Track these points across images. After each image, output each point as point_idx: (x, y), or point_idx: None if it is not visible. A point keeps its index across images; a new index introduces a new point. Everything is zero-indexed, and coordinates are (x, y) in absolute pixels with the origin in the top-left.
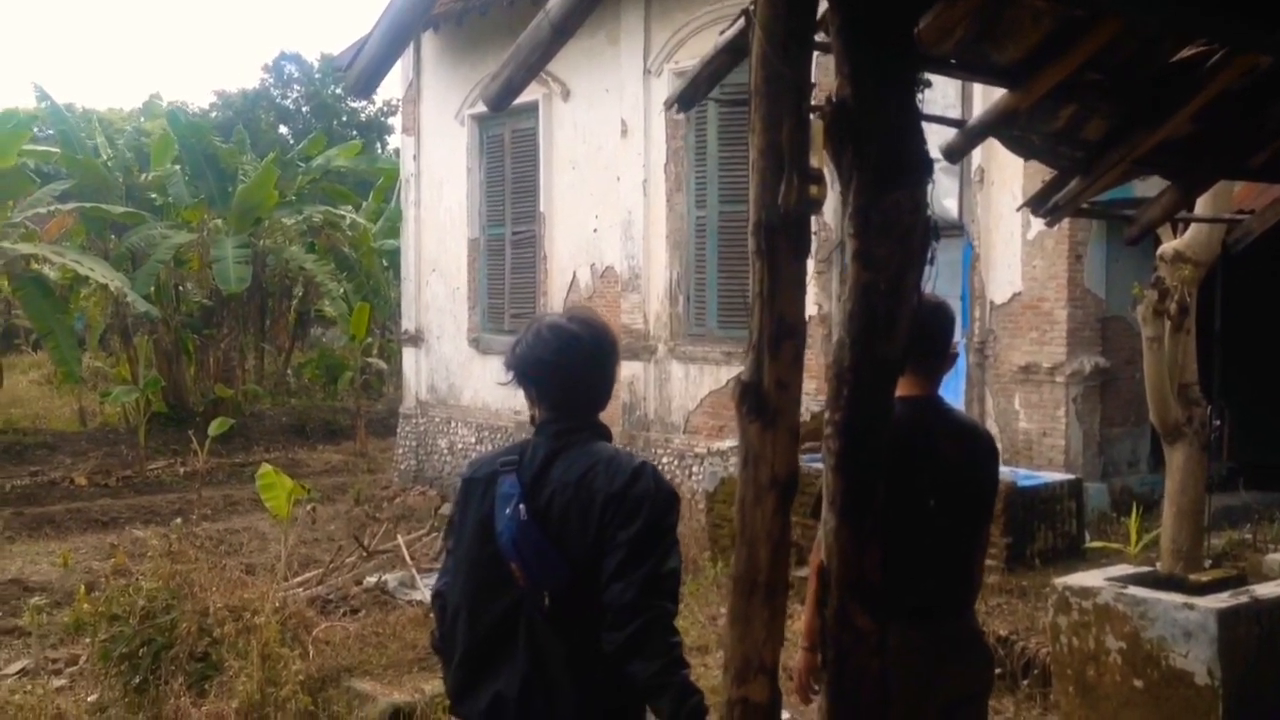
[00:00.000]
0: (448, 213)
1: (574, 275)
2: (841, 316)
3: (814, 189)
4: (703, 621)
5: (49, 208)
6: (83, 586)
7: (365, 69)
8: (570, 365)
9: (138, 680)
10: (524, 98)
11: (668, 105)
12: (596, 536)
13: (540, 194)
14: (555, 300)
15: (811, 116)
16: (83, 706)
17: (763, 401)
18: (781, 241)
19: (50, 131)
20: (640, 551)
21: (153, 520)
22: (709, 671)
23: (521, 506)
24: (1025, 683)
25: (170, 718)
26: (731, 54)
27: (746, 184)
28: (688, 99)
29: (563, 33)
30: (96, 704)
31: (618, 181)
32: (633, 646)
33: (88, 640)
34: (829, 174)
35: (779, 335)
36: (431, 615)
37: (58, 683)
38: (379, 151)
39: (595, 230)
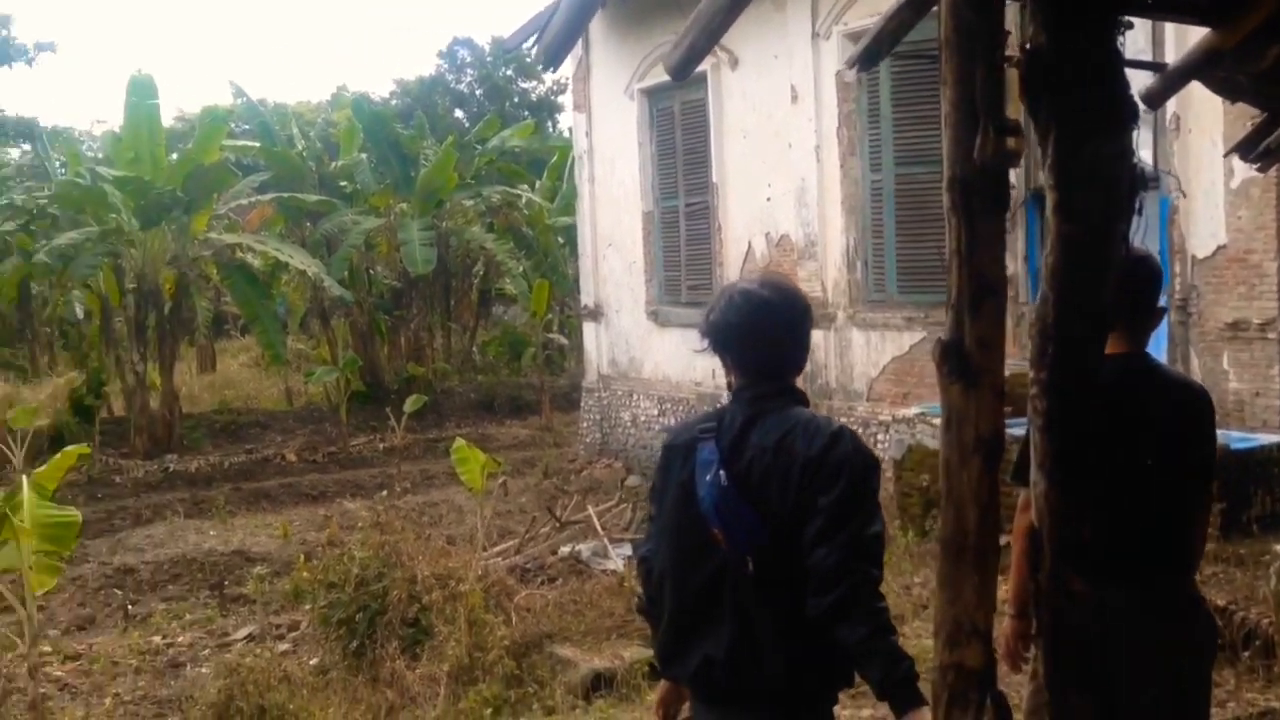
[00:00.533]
0: (621, 187)
1: (749, 245)
2: (1045, 271)
3: (1011, 141)
4: (897, 590)
5: (249, 199)
6: (302, 556)
7: (553, 41)
8: (763, 330)
9: (355, 644)
10: None
11: (849, 65)
12: (796, 501)
13: (712, 164)
14: (731, 271)
15: (1005, 66)
16: (306, 669)
17: (965, 361)
18: (977, 197)
19: (247, 126)
20: (841, 516)
21: (357, 493)
22: (906, 641)
23: (721, 472)
24: (1246, 654)
25: (387, 680)
26: (914, 8)
27: (923, 145)
28: (870, 57)
29: None
30: (318, 667)
31: (789, 148)
32: (839, 611)
33: (307, 607)
34: (1025, 125)
35: (979, 293)
36: (628, 582)
37: (282, 647)
38: (551, 130)
39: (769, 199)
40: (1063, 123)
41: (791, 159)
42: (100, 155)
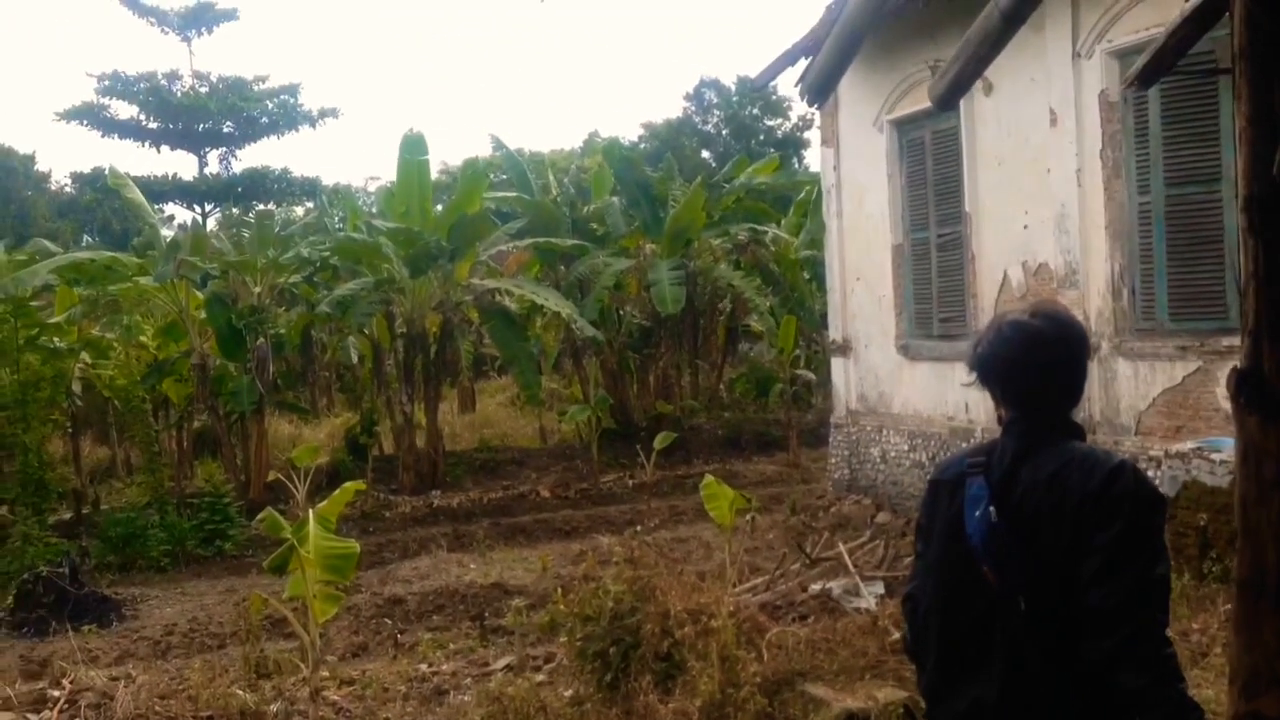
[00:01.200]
0: (869, 220)
1: (1004, 275)
2: None
3: None
4: (1174, 637)
5: (508, 245)
6: (559, 589)
7: (818, 79)
8: (1034, 363)
9: (609, 677)
10: None
11: (1127, 84)
12: (1072, 539)
13: (965, 194)
14: (985, 302)
15: None
16: (561, 700)
17: (1264, 391)
18: (1278, 215)
19: (504, 176)
20: (1121, 555)
21: (608, 529)
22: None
23: (991, 509)
24: None
25: (640, 713)
26: (1197, 23)
27: (1198, 163)
28: (1150, 74)
29: (1015, 20)
30: (573, 698)
31: (1048, 174)
32: (1120, 656)
33: (562, 639)
34: None
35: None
36: (882, 621)
37: (539, 678)
38: (796, 166)
39: (1025, 226)
40: None
41: (1050, 184)
42: (374, 209)
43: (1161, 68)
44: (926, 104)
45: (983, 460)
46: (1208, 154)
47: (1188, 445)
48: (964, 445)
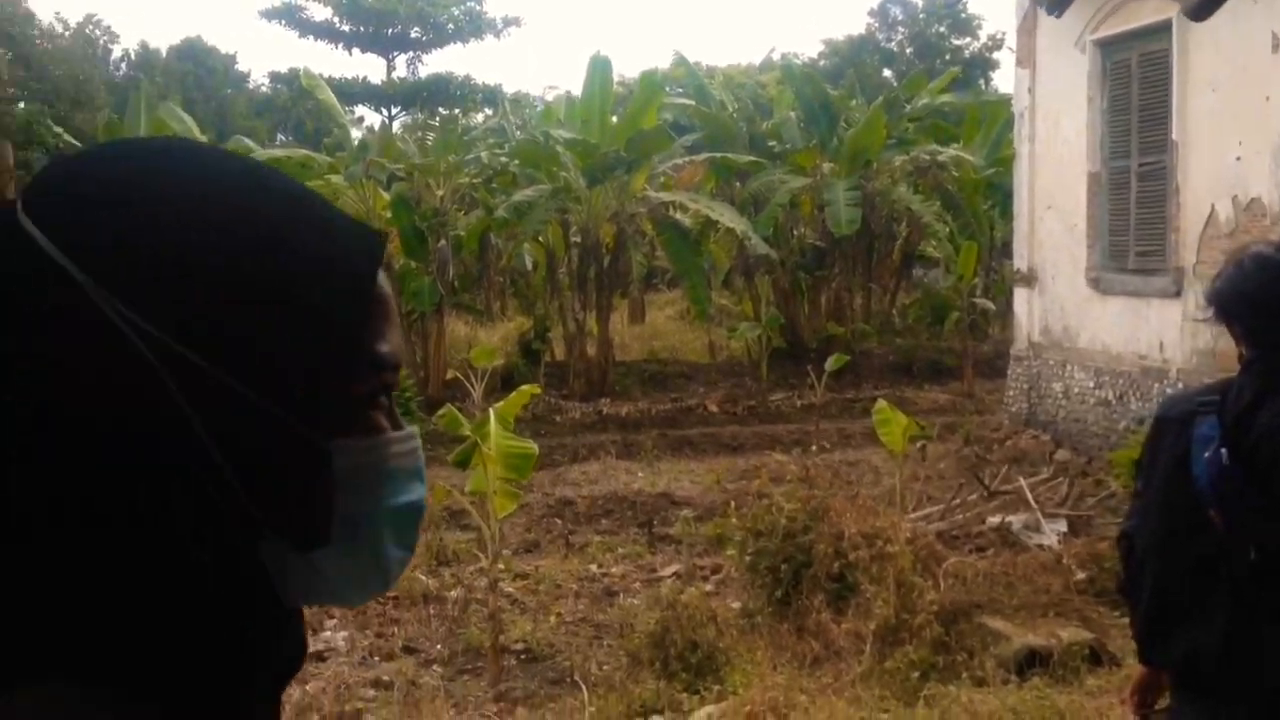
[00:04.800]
0: (1065, 145)
1: (1211, 208)
2: None
3: None
4: None
5: (684, 158)
6: (732, 504)
7: None
8: (1276, 299)
9: (780, 593)
10: (1154, 17)
11: None
12: None
13: (1172, 121)
14: (1189, 237)
15: None
16: (731, 611)
17: None
18: None
19: (681, 89)
20: None
21: (774, 448)
22: None
23: (1223, 450)
24: None
25: (813, 630)
26: None
27: None
28: None
29: None
30: (742, 610)
31: (1266, 102)
32: None
33: (730, 552)
34: None
35: None
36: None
37: (706, 588)
38: (984, 87)
39: (1238, 158)
40: None
41: (1268, 113)
42: (560, 118)
43: None
44: (1134, 23)
45: (1215, 399)
46: None
47: None
48: (1156, 387)
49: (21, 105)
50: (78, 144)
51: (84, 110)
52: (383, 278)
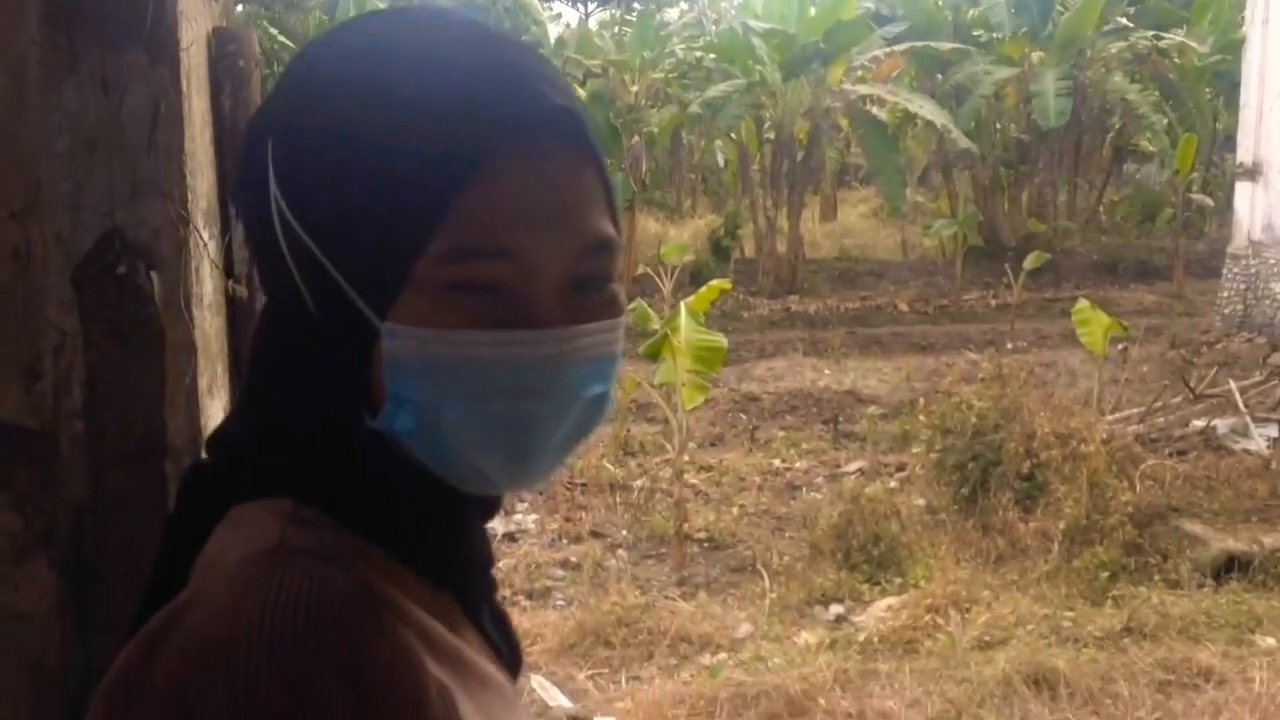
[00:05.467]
0: None
1: None
2: None
3: None
4: None
5: (883, 49)
6: (921, 401)
7: None
8: None
9: (966, 491)
10: None
11: None
12: None
13: None
14: None
15: None
16: (915, 508)
17: None
18: None
19: None
20: None
21: (966, 347)
22: None
23: None
24: None
25: (998, 527)
26: None
27: None
28: None
29: None
30: (927, 508)
31: None
32: None
33: (915, 450)
34: None
35: None
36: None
37: (890, 484)
38: None
39: None
40: None
41: None
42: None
43: None
44: None
45: None
46: None
47: None
48: None
49: (240, 8)
50: (291, 45)
51: (296, 11)
52: (553, 170)
